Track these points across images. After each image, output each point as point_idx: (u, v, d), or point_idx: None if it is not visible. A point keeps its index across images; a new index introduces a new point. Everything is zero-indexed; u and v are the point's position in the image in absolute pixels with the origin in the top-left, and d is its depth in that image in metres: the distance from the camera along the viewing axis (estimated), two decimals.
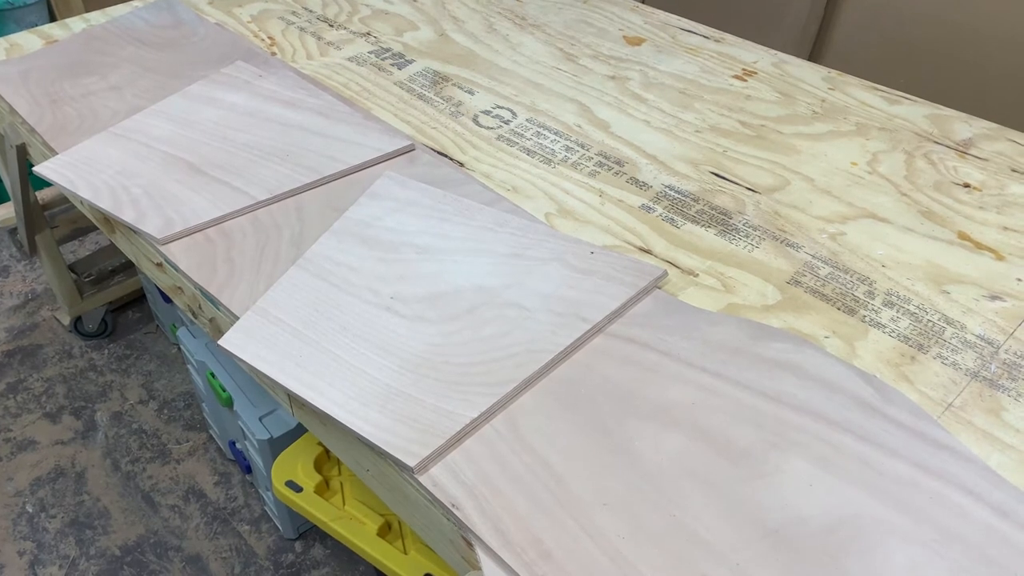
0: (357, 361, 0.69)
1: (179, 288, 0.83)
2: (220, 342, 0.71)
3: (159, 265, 0.85)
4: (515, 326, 0.72)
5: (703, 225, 0.86)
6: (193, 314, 0.84)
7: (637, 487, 0.60)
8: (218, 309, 0.77)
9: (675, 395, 0.67)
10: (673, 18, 1.29)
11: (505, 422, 0.65)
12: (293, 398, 0.71)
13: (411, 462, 0.60)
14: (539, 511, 0.58)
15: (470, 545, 0.57)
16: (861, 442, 0.63)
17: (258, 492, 1.28)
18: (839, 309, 0.76)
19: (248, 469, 1.23)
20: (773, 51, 1.20)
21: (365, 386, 0.66)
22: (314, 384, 0.67)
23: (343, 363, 0.69)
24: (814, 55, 1.43)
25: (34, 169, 0.93)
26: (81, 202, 0.93)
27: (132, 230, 0.85)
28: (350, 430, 0.63)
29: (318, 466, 0.96)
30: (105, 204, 0.87)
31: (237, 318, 0.74)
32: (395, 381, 0.67)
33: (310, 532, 1.22)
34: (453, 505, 0.58)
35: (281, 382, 0.67)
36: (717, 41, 1.23)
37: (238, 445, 1.23)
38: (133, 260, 0.92)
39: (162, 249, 0.82)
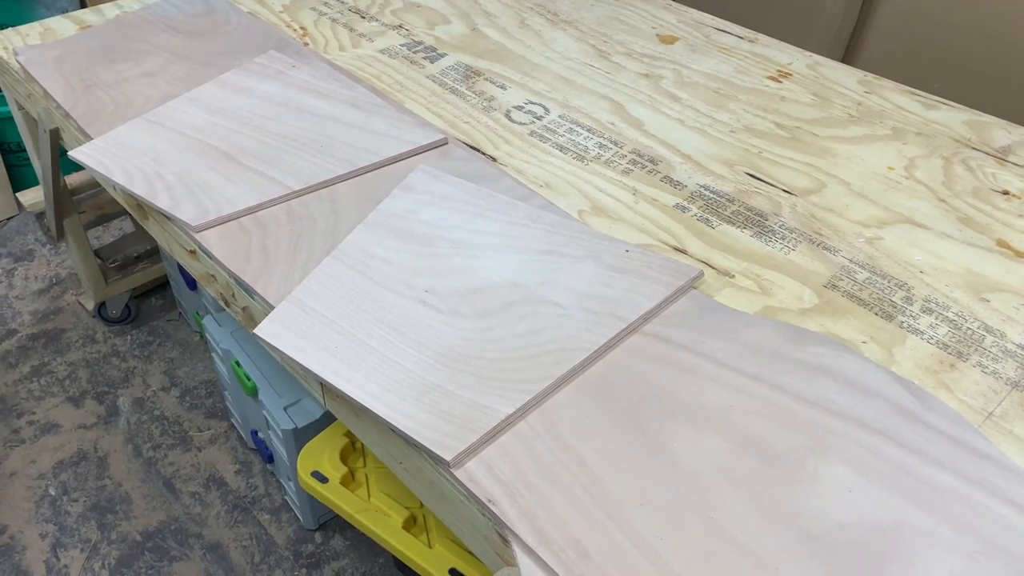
0: (392, 354, 0.68)
1: (212, 276, 0.83)
2: (256, 331, 0.71)
3: (192, 253, 0.85)
4: (550, 323, 0.72)
5: (738, 226, 0.85)
6: (226, 302, 0.84)
7: (674, 488, 0.59)
8: (252, 298, 0.77)
9: (712, 397, 0.66)
10: (707, 17, 1.28)
11: (540, 419, 0.64)
12: (327, 389, 0.70)
13: (447, 456, 0.60)
14: (576, 510, 0.58)
15: (506, 541, 0.57)
16: (901, 449, 0.62)
17: (279, 481, 1.28)
18: (877, 314, 0.75)
19: (270, 458, 1.23)
20: (808, 53, 1.18)
21: (400, 379, 0.66)
22: (350, 376, 0.67)
23: (378, 355, 0.68)
24: (847, 58, 1.42)
25: (69, 154, 0.93)
26: (114, 187, 0.94)
27: (166, 217, 0.85)
28: (386, 422, 0.63)
29: (344, 457, 0.96)
30: (140, 190, 0.87)
31: (272, 308, 0.74)
32: (430, 375, 0.67)
33: (330, 523, 1.22)
34: (489, 501, 0.58)
35: (318, 373, 0.67)
36: (751, 41, 1.22)
37: (260, 434, 1.23)
38: (165, 247, 0.92)
39: (196, 237, 0.82)
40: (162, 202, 0.85)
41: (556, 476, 0.60)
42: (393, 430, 0.63)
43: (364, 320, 0.72)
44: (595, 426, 0.64)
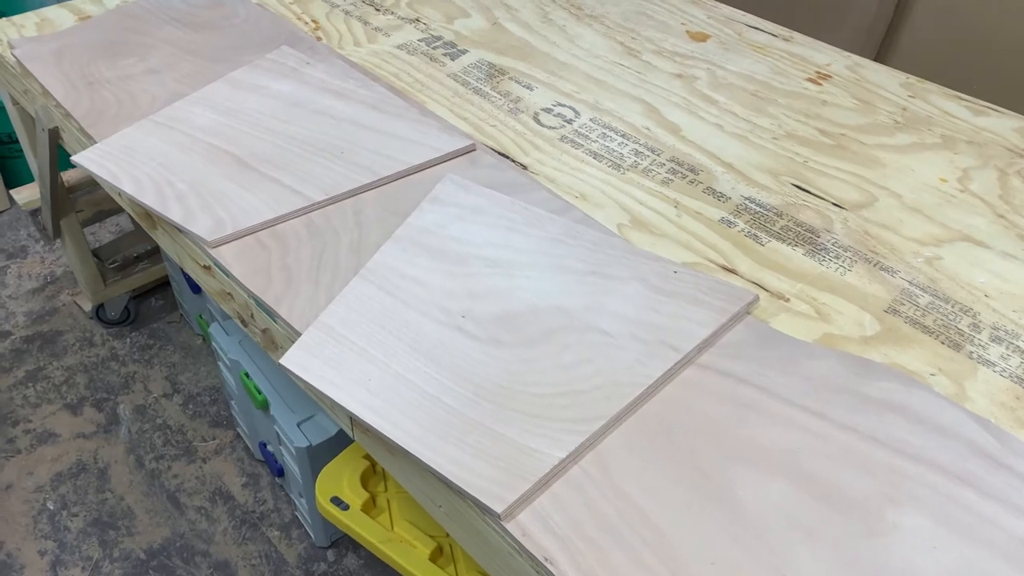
0: (431, 388, 0.63)
1: (228, 294, 0.78)
2: (282, 361, 0.65)
3: (207, 268, 0.79)
4: (598, 353, 0.66)
5: (789, 243, 0.80)
6: (243, 322, 0.78)
7: (743, 542, 0.55)
8: (274, 321, 0.72)
9: (777, 437, 0.61)
10: (738, 13, 1.23)
11: (594, 463, 0.59)
12: (356, 422, 0.65)
13: (498, 508, 0.55)
14: (640, 568, 0.53)
15: None
16: (985, 498, 0.58)
17: (288, 496, 1.23)
18: (943, 343, 0.70)
19: (280, 472, 1.18)
20: (846, 53, 1.13)
21: (441, 416, 0.61)
22: (386, 413, 0.61)
23: (416, 389, 0.63)
24: (880, 57, 1.37)
25: (72, 159, 0.87)
26: (120, 194, 0.88)
27: (178, 229, 0.79)
28: (428, 467, 0.58)
29: (364, 481, 0.91)
30: (149, 200, 0.81)
31: (297, 333, 0.69)
32: (472, 412, 0.62)
33: (343, 540, 1.17)
34: (546, 559, 0.53)
35: (351, 409, 0.61)
36: (786, 40, 1.16)
37: (270, 447, 1.18)
38: (176, 259, 0.87)
39: (212, 252, 0.76)
40: (174, 214, 0.79)
41: (615, 529, 0.55)
42: (435, 475, 0.58)
43: (398, 349, 0.66)
44: (654, 471, 0.59)
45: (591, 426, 0.60)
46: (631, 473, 0.59)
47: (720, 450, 0.60)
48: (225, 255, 0.76)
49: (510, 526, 0.55)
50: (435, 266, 0.74)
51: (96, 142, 0.90)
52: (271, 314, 0.72)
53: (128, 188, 0.82)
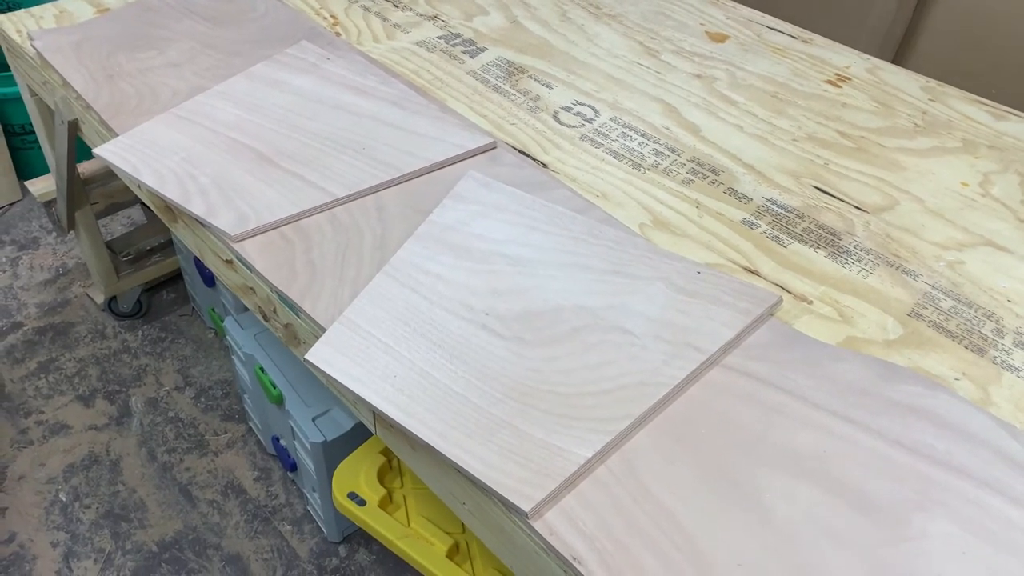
0: (456, 385, 0.63)
1: (251, 288, 0.78)
2: (307, 356, 0.65)
3: (229, 263, 0.79)
4: (622, 353, 0.66)
5: (811, 245, 0.80)
6: (264, 317, 0.79)
7: (772, 547, 0.55)
8: (297, 316, 0.72)
9: (804, 441, 0.61)
10: (757, 15, 1.23)
11: (621, 464, 0.59)
12: (379, 417, 0.65)
13: (525, 506, 0.55)
14: (668, 570, 0.53)
15: None
16: (1012, 505, 0.58)
17: (300, 491, 1.23)
18: (967, 348, 0.70)
19: (292, 467, 1.18)
20: (865, 56, 1.13)
21: (468, 414, 0.61)
22: (412, 409, 0.61)
23: (440, 386, 0.63)
24: (898, 59, 1.36)
25: (94, 151, 0.87)
26: (139, 187, 0.88)
27: (201, 223, 0.79)
28: (454, 464, 0.58)
29: (381, 477, 0.91)
30: (172, 194, 0.81)
31: (321, 328, 0.69)
32: (499, 410, 0.62)
33: (355, 535, 1.18)
34: (574, 559, 0.53)
35: (377, 406, 0.61)
36: (805, 42, 1.16)
37: (283, 442, 1.18)
38: (197, 253, 0.87)
39: (235, 247, 0.76)
40: (196, 207, 0.79)
41: (644, 531, 0.55)
42: (461, 472, 0.58)
43: (423, 346, 0.66)
44: (681, 473, 0.59)
45: (617, 426, 0.60)
46: (657, 474, 0.59)
47: (747, 452, 0.60)
48: (248, 249, 0.76)
49: (537, 525, 0.55)
50: (458, 263, 0.74)
51: (117, 134, 0.90)
52: (294, 309, 0.72)
53: (150, 181, 0.82)
